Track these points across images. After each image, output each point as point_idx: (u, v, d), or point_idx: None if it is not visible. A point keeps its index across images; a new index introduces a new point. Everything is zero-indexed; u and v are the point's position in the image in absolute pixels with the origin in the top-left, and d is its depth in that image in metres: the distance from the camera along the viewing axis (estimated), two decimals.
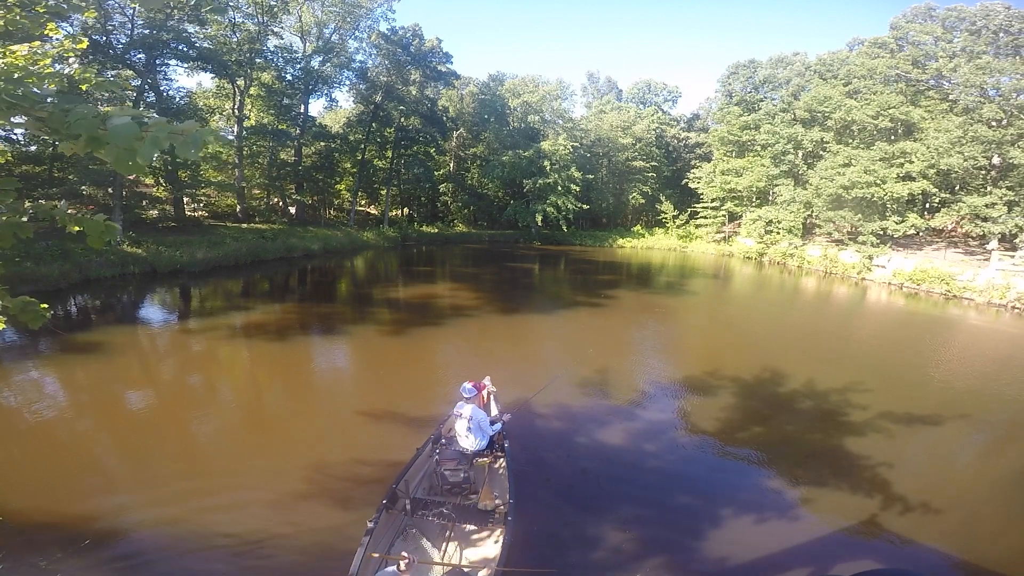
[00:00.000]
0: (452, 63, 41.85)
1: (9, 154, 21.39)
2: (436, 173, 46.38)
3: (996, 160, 28.30)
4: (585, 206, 45.51)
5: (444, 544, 4.86)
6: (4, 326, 3.10)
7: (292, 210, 36.43)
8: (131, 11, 22.51)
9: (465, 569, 4.53)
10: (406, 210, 49.87)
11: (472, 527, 5.16)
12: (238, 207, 33.34)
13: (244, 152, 33.22)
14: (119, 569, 4.88)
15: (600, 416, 8.97)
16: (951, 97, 30.66)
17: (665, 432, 8.52)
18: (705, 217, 45.20)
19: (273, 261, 26.46)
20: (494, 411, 7.15)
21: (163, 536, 5.31)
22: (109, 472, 6.62)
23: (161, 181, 28.56)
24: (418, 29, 39.41)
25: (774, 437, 8.57)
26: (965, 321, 19.99)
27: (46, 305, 3.18)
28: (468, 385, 6.34)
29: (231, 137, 33.54)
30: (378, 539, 4.68)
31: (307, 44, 35.74)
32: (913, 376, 12.33)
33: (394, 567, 3.89)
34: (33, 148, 21.84)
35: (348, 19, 35.85)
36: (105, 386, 9.65)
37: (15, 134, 20.52)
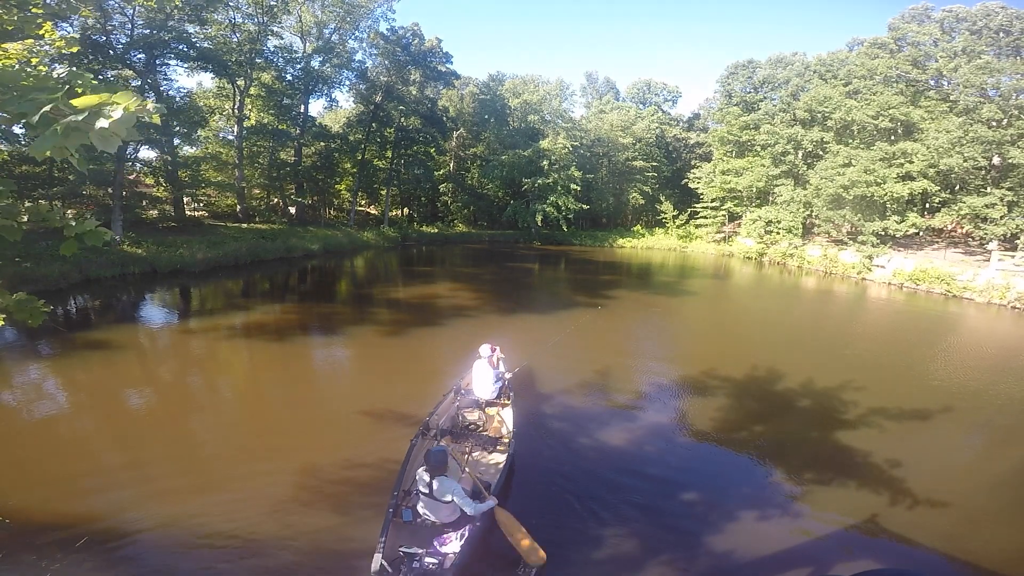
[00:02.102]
0: (452, 63, 41.91)
1: (5, 153, 21.38)
2: (436, 173, 46.35)
3: (996, 160, 28.29)
4: (585, 206, 45.49)
5: (463, 461, 6.23)
6: (3, 322, 3.08)
7: (292, 210, 36.43)
8: (131, 11, 22.50)
9: (479, 477, 5.84)
10: (406, 210, 49.87)
11: (484, 450, 6.84)
12: (238, 207, 33.34)
13: (244, 152, 33.22)
14: (118, 569, 4.88)
15: (601, 415, 8.96)
16: (951, 97, 30.66)
17: (665, 431, 8.51)
18: (705, 217, 45.19)
19: (273, 261, 26.46)
20: (502, 369, 8.53)
21: (163, 536, 5.30)
22: (109, 472, 6.61)
23: (161, 181, 28.58)
24: (418, 29, 39.42)
25: (774, 436, 8.56)
26: (965, 321, 19.99)
27: (43, 302, 3.17)
28: (486, 347, 8.12)
29: (231, 137, 33.61)
30: (416, 455, 6.09)
31: (307, 44, 35.75)
32: (912, 376, 12.32)
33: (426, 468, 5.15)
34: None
35: (348, 19, 35.84)
36: (105, 386, 9.65)
37: (15, 133, 20.47)
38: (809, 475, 7.30)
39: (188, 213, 31.31)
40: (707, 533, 5.86)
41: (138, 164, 26.77)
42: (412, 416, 8.30)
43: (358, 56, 38.46)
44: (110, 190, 22.72)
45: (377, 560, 4.31)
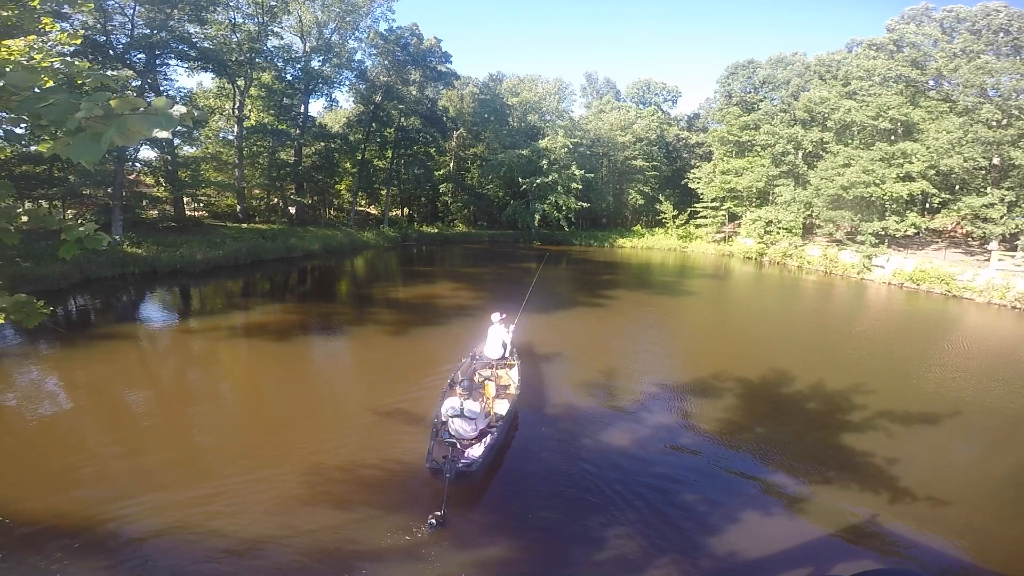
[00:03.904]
0: (451, 63, 41.92)
1: (7, 151, 21.32)
2: (436, 173, 46.36)
3: (996, 161, 28.25)
4: (585, 204, 45.47)
5: (481, 405, 7.34)
6: (2, 321, 3.07)
7: (292, 210, 36.42)
8: (131, 11, 22.50)
9: (493, 415, 7.49)
10: (406, 210, 49.86)
11: (495, 398, 8.31)
12: (238, 207, 33.34)
13: (244, 152, 33.20)
14: (119, 569, 4.87)
15: (602, 416, 8.96)
16: (951, 98, 30.61)
17: (666, 431, 8.51)
18: (705, 217, 45.16)
19: (273, 261, 26.44)
20: (507, 331, 10.01)
21: (163, 535, 5.30)
22: (109, 472, 6.60)
23: (161, 181, 28.56)
24: (417, 29, 39.44)
25: (775, 436, 8.55)
26: (965, 321, 19.98)
27: (42, 303, 3.15)
28: (496, 314, 9.87)
29: (231, 137, 33.57)
30: (445, 398, 7.46)
31: (307, 44, 35.75)
32: (912, 376, 12.31)
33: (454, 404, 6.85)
34: (33, 148, 21.83)
35: (348, 19, 35.86)
36: (105, 386, 9.65)
37: (16, 133, 20.43)
38: (810, 475, 7.29)
39: (188, 213, 31.30)
40: (708, 533, 5.86)
41: (138, 164, 26.76)
42: (412, 415, 8.30)
43: (358, 56, 38.53)
44: (110, 190, 22.71)
45: (428, 459, 6.20)
